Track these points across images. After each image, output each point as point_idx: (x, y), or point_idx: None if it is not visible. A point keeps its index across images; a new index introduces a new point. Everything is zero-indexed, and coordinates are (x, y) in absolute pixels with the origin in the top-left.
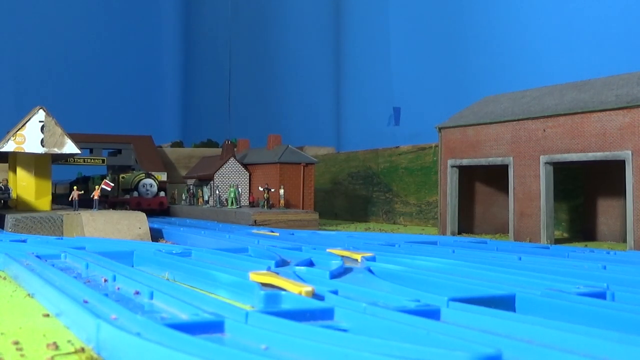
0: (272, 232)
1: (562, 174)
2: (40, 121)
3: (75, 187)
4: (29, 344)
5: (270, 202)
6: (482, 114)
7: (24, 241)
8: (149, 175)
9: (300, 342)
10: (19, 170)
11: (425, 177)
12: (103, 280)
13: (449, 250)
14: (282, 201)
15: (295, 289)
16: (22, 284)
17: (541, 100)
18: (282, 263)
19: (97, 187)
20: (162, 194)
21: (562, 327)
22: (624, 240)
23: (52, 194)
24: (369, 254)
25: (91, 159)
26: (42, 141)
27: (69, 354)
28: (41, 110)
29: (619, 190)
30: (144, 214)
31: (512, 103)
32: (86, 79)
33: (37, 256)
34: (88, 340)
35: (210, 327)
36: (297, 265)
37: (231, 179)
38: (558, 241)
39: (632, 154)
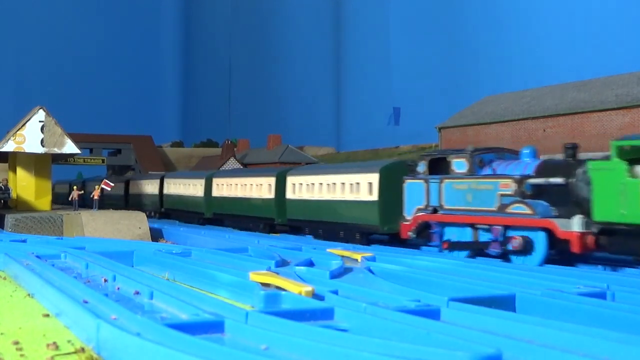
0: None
1: None
2: (40, 121)
3: (75, 187)
4: (29, 344)
5: None
6: (482, 114)
7: (24, 241)
8: None
9: (300, 342)
10: (19, 170)
11: None
12: (103, 280)
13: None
14: None
15: (295, 289)
16: (22, 284)
17: (541, 100)
18: (282, 263)
19: (97, 187)
20: None
21: (562, 327)
22: None
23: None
24: (369, 254)
25: (91, 159)
26: (42, 141)
27: (69, 354)
28: (41, 110)
29: None
30: (144, 214)
31: (512, 103)
32: (86, 79)
33: (37, 256)
34: (88, 340)
35: (210, 327)
36: (297, 265)
37: None
38: None
39: None
